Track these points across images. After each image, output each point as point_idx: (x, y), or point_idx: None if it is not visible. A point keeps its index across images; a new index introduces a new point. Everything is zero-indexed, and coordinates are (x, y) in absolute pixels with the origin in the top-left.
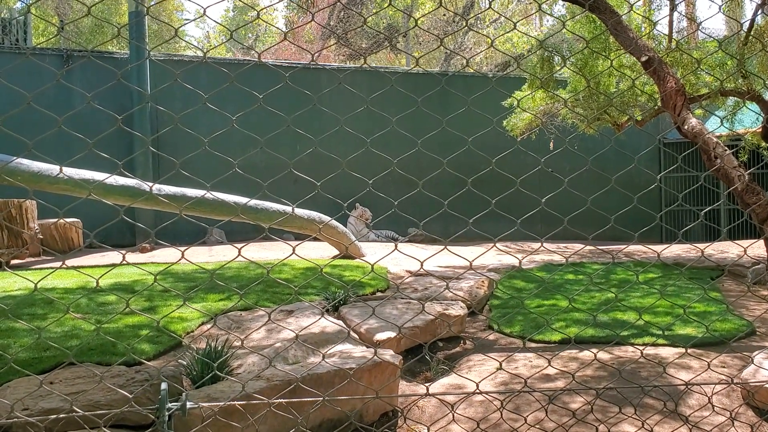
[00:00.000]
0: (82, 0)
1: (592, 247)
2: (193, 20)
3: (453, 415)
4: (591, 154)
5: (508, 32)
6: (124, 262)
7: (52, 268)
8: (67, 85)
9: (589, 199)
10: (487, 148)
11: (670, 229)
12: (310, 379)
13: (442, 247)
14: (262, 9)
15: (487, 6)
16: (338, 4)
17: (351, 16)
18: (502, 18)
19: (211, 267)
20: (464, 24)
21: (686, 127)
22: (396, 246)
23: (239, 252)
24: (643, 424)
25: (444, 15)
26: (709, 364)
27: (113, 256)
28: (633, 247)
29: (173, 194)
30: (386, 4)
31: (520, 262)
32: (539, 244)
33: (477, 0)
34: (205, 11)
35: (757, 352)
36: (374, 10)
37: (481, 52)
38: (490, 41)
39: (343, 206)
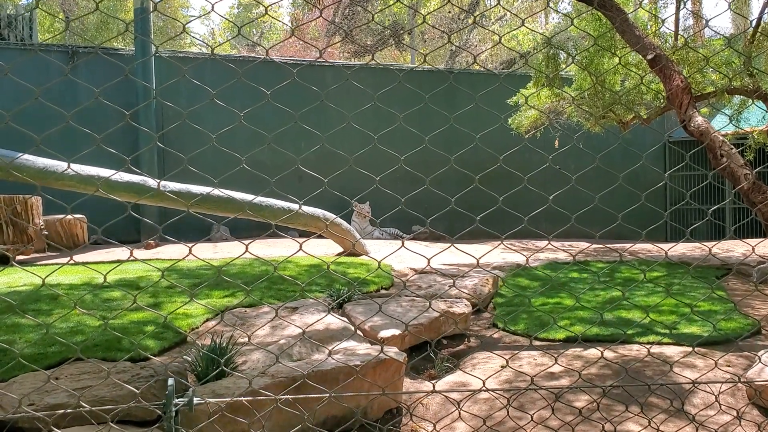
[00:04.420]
0: (87, 3)
1: (597, 245)
2: (199, 17)
3: (459, 413)
4: (596, 153)
5: (515, 29)
6: (132, 258)
7: (57, 263)
8: (72, 81)
9: (596, 197)
10: (492, 145)
11: (676, 228)
12: (315, 375)
13: (448, 244)
14: (269, 6)
15: (496, 3)
16: (344, 0)
17: (356, 12)
18: (508, 15)
19: (216, 263)
20: (470, 21)
21: (692, 125)
22: (403, 243)
23: (246, 248)
24: (649, 422)
25: (449, 12)
26: (716, 363)
27: (118, 252)
28: (638, 246)
29: (178, 191)
30: (392, 2)
31: (527, 261)
32: (544, 242)
33: None
34: (213, 7)
35: (763, 351)
36: (380, 7)
37: (488, 49)
38: (497, 39)
39: (351, 202)
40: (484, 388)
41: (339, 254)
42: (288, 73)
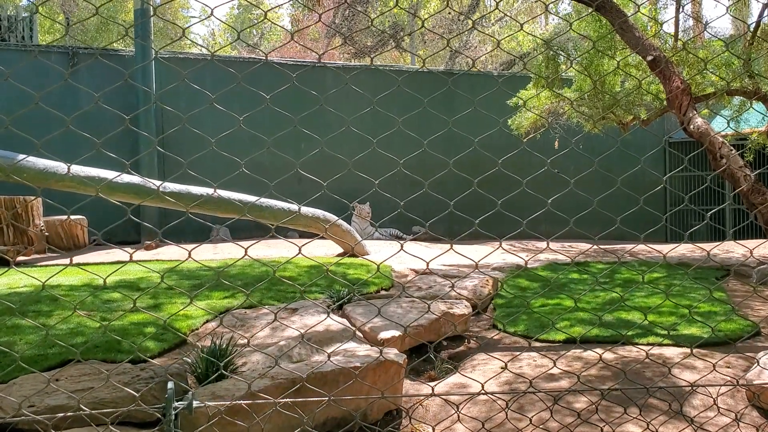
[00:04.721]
0: (86, 4)
1: (597, 247)
2: (200, 21)
3: (458, 415)
4: (596, 154)
5: (514, 33)
6: (131, 260)
7: (57, 265)
8: (73, 83)
9: (594, 200)
10: (492, 147)
11: (676, 229)
12: (314, 378)
13: (448, 246)
14: (268, 9)
15: (494, 7)
16: (344, 2)
17: (356, 13)
18: (509, 14)
19: (216, 265)
20: (470, 24)
21: (692, 127)
22: (402, 246)
23: (246, 252)
24: (648, 425)
25: (449, 13)
26: (714, 366)
27: (118, 254)
28: (639, 246)
29: (178, 192)
30: (392, 5)
31: (525, 263)
32: (544, 243)
33: None
34: (212, 11)
35: (762, 353)
36: (379, 9)
37: (487, 53)
38: (496, 42)
39: (350, 206)
40: (483, 392)
41: (339, 255)
42: (288, 74)
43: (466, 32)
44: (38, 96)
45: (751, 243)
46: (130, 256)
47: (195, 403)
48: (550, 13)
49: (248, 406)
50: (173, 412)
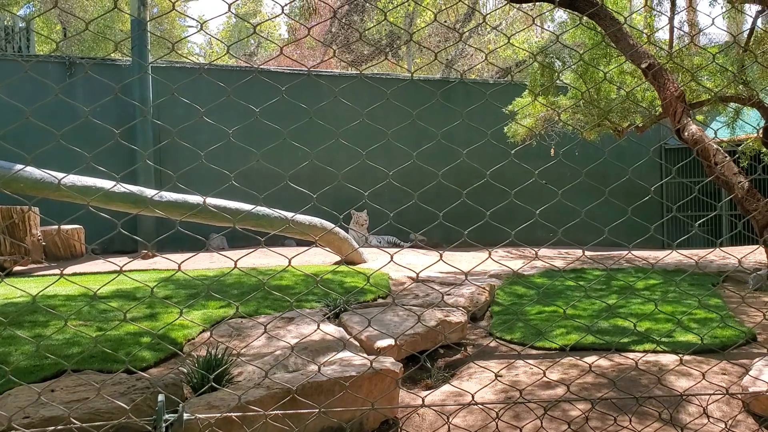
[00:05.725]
0: (82, 17)
1: (594, 253)
2: (192, 34)
3: (450, 425)
4: (593, 159)
5: (503, 45)
6: (122, 271)
7: (54, 275)
8: (70, 91)
9: (583, 211)
10: (491, 152)
11: (672, 234)
12: (310, 387)
13: (445, 251)
14: (259, 23)
15: (482, 21)
16: (338, 12)
17: (353, 22)
18: (504, 23)
19: (212, 274)
20: (464, 34)
21: (686, 133)
22: (392, 257)
23: (235, 264)
24: None
25: (445, 21)
26: (704, 375)
27: (115, 262)
28: (635, 252)
29: (175, 201)
30: (383, 19)
31: (515, 272)
32: (542, 250)
33: (478, 5)
34: (202, 26)
35: (757, 359)
36: (376, 18)
37: (478, 64)
38: (491, 48)
39: (339, 218)
40: (473, 402)
41: (336, 263)
42: (284, 81)
43: (459, 42)
44: (29, 112)
45: (745, 249)
46: (120, 269)
47: (186, 416)
48: (538, 26)
49: (242, 417)
50: (164, 425)
